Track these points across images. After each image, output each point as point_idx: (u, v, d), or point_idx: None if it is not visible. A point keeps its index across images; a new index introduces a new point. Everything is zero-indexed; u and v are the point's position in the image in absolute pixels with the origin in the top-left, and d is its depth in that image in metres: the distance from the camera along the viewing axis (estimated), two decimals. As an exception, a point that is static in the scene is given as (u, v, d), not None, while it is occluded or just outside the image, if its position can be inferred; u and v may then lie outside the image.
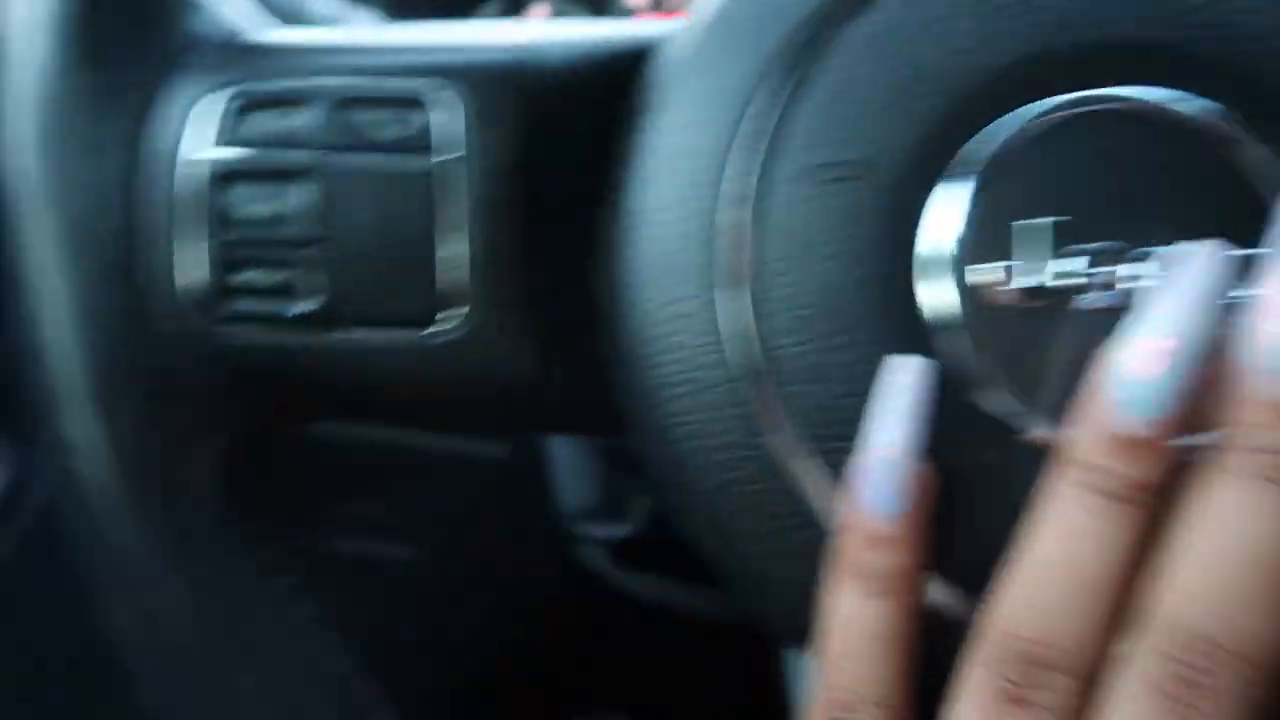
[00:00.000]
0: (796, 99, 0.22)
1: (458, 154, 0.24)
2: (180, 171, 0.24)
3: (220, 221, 0.24)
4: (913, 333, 0.22)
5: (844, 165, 0.22)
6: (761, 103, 0.23)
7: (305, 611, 0.27)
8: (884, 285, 0.22)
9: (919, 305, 0.22)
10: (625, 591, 0.47)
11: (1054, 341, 0.21)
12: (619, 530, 0.46)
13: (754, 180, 0.22)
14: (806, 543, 0.22)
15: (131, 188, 0.24)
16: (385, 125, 0.25)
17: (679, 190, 0.23)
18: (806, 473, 0.22)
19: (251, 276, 0.25)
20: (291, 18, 0.34)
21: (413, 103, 0.25)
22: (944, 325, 0.22)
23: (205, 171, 0.24)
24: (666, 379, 0.23)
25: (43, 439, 0.23)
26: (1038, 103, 0.21)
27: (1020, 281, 0.21)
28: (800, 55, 0.22)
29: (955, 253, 0.22)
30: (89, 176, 0.24)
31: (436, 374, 0.25)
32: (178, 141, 0.24)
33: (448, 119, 0.25)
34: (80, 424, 0.24)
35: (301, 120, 0.25)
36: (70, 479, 0.24)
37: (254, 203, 0.24)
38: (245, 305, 0.25)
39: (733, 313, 0.22)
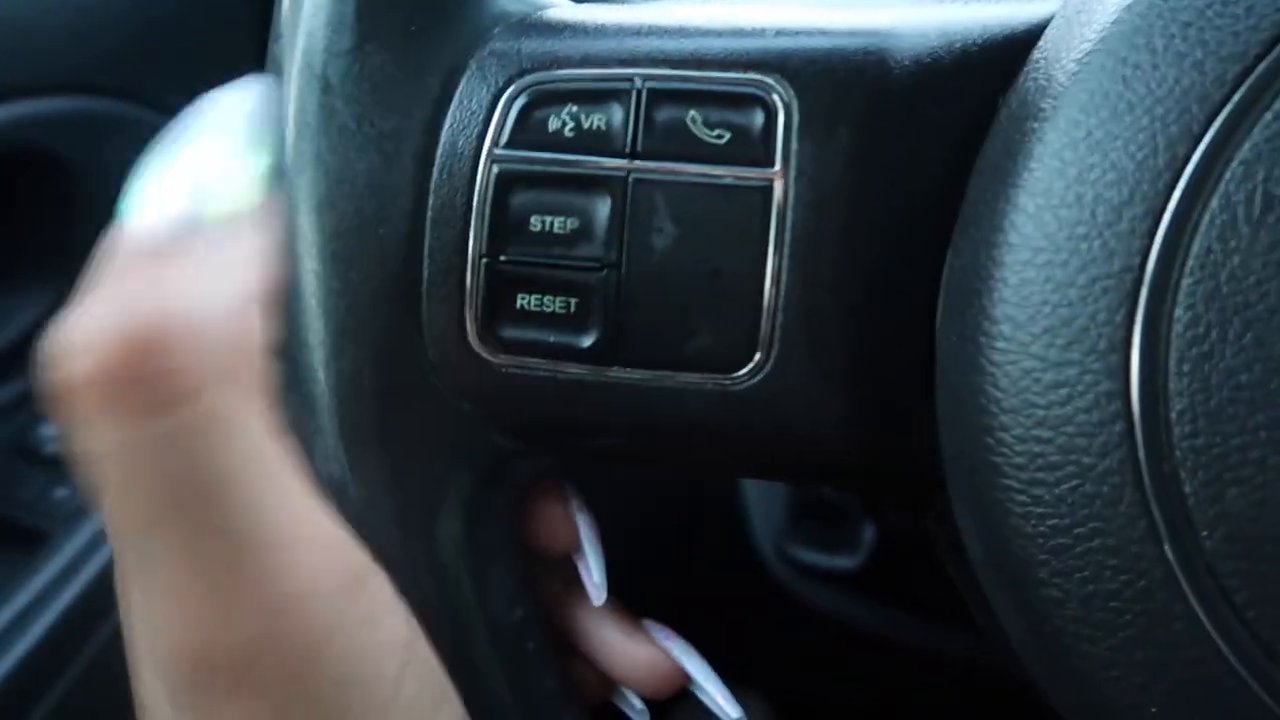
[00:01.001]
0: (1265, 111, 0.17)
1: (789, 167, 0.20)
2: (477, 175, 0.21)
3: (507, 235, 0.21)
4: None
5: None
6: (1212, 113, 0.17)
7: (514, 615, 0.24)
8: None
9: None
10: (836, 619, 0.44)
11: None
12: (845, 562, 0.43)
13: (1194, 217, 0.17)
14: (1192, 685, 0.17)
15: (421, 190, 0.21)
16: (708, 128, 0.21)
17: (1082, 224, 0.18)
18: (1212, 598, 0.17)
19: (540, 300, 0.21)
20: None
21: (745, 101, 0.20)
22: None
23: (492, 176, 0.21)
24: (1037, 457, 0.18)
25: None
26: None
27: None
28: (1277, 54, 0.17)
29: None
30: (376, 175, 0.20)
31: (733, 421, 0.21)
32: (476, 138, 0.21)
33: (782, 124, 0.20)
34: (338, 459, 0.21)
35: (607, 120, 0.21)
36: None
37: (547, 215, 0.21)
38: (530, 333, 0.21)
39: (1149, 384, 0.18)
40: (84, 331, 0.16)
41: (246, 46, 0.53)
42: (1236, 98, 0.17)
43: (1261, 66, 0.17)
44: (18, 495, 0.53)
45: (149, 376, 0.15)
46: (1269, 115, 0.17)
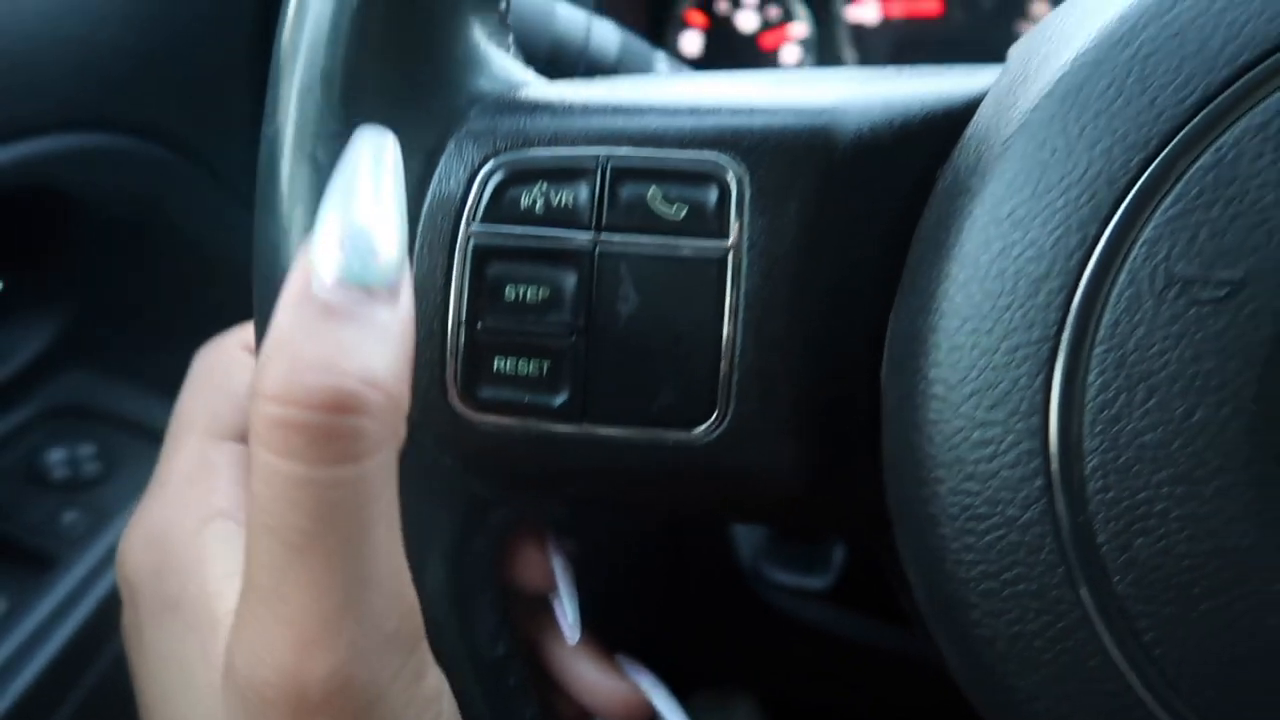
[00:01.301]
0: (1166, 196, 0.19)
1: (741, 239, 0.22)
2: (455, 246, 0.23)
3: (484, 303, 0.22)
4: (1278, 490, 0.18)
5: (1224, 283, 0.18)
6: (1119, 197, 0.19)
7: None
8: (1251, 432, 0.18)
9: None
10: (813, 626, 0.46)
11: None
12: (814, 581, 0.45)
13: (1104, 291, 0.19)
14: (1107, 714, 0.19)
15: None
16: (667, 203, 0.22)
17: (1004, 295, 0.20)
18: (1124, 637, 0.19)
19: (515, 363, 0.22)
20: (540, 24, 0.33)
21: (701, 178, 0.22)
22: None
23: (470, 249, 0.22)
24: (967, 508, 0.20)
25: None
26: None
27: None
28: (1175, 144, 0.19)
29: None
30: None
31: (695, 471, 0.23)
32: (455, 214, 0.22)
33: (735, 199, 0.22)
34: None
35: (574, 196, 0.22)
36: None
37: (521, 285, 0.22)
38: (506, 393, 0.23)
39: (1066, 443, 0.19)
40: (282, 380, 0.18)
41: (245, 81, 0.55)
42: (1140, 183, 0.19)
43: (1162, 155, 0.19)
44: (26, 519, 0.54)
45: (345, 431, 0.18)
46: (1169, 200, 0.19)
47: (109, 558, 0.52)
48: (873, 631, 0.44)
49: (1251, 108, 0.19)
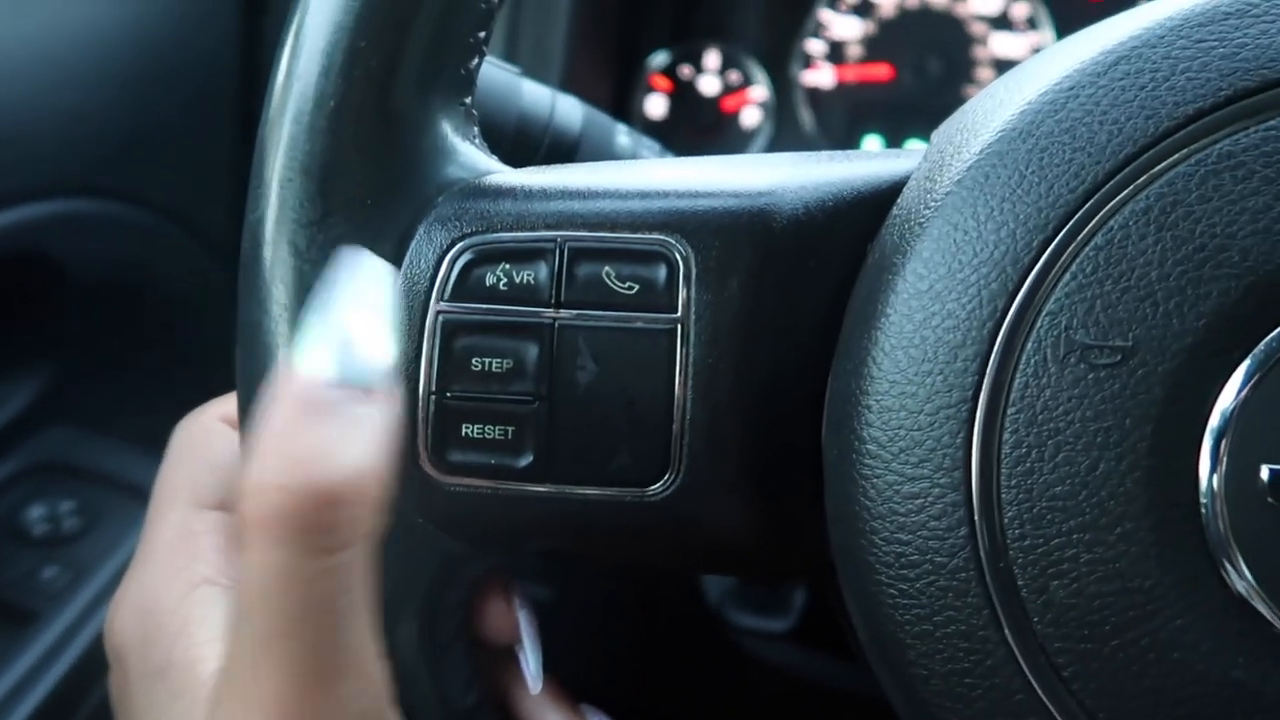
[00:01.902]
0: (1064, 273, 0.21)
1: (688, 312, 0.24)
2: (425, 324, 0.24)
3: (452, 374, 0.24)
4: (1179, 536, 0.20)
5: (1117, 350, 0.21)
6: (1023, 274, 0.21)
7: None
8: (1148, 483, 0.20)
9: (1201, 506, 0.20)
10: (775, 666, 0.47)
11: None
12: (776, 624, 0.46)
13: (1014, 358, 0.21)
14: None
15: None
16: (620, 281, 0.24)
17: (926, 361, 0.22)
18: (1045, 673, 0.21)
19: (481, 429, 0.24)
20: (506, 101, 0.35)
21: (651, 257, 0.24)
22: (1216, 529, 0.20)
23: (439, 325, 0.24)
24: (900, 556, 0.22)
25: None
26: None
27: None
28: (1070, 226, 0.21)
29: (1232, 451, 0.20)
30: None
31: (651, 526, 0.24)
32: (425, 293, 0.24)
33: (682, 276, 0.24)
34: None
35: (535, 275, 0.24)
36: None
37: (486, 357, 0.24)
38: (474, 457, 0.24)
39: (985, 495, 0.21)
40: (273, 473, 0.19)
41: (229, 149, 0.57)
42: (1042, 261, 0.21)
43: (1059, 237, 0.21)
44: (7, 574, 0.55)
45: (325, 524, 0.19)
46: (1067, 276, 0.21)
47: (89, 612, 0.53)
48: (834, 671, 0.46)
49: (1135, 194, 0.21)
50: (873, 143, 0.60)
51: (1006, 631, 0.21)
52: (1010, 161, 0.22)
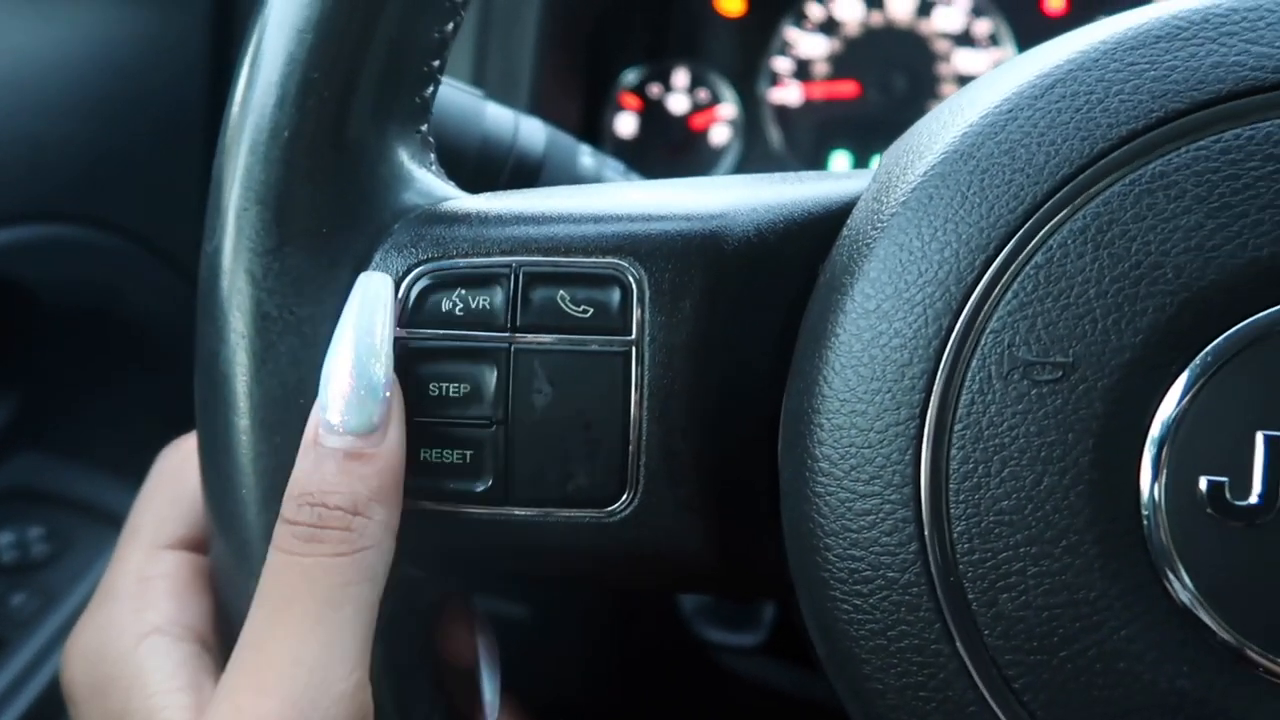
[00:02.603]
0: (1006, 291, 0.21)
1: (643, 334, 0.24)
2: None
3: (407, 400, 0.24)
4: (1122, 548, 0.21)
5: (1058, 366, 0.21)
6: (966, 293, 0.22)
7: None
8: (1090, 496, 0.21)
9: (1143, 518, 0.21)
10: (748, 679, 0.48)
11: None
12: (747, 638, 0.47)
13: (959, 375, 0.22)
14: None
15: None
16: (575, 305, 0.24)
17: (875, 379, 0.22)
18: (997, 685, 0.21)
19: (440, 453, 0.24)
20: (470, 124, 0.35)
21: (605, 281, 0.24)
22: (1158, 540, 0.20)
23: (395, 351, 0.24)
24: (854, 572, 0.22)
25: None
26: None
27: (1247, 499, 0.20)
28: (1011, 246, 0.21)
29: (1171, 463, 0.20)
30: (296, 353, 0.24)
31: (610, 547, 0.25)
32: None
33: (635, 299, 0.24)
34: None
35: (490, 300, 0.24)
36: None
37: (443, 382, 0.24)
38: (432, 481, 0.24)
39: (935, 510, 0.21)
40: (312, 499, 0.23)
41: (196, 173, 0.57)
42: (985, 280, 0.22)
43: (1001, 256, 0.22)
44: (-26, 603, 0.54)
45: (337, 535, 0.23)
46: (1009, 294, 0.22)
47: (58, 639, 0.52)
48: (806, 684, 0.46)
49: (1073, 214, 0.21)
50: (841, 159, 0.61)
51: (958, 644, 0.21)
52: (953, 183, 0.22)
